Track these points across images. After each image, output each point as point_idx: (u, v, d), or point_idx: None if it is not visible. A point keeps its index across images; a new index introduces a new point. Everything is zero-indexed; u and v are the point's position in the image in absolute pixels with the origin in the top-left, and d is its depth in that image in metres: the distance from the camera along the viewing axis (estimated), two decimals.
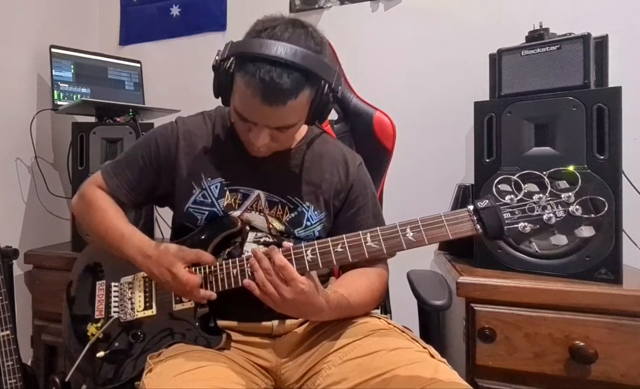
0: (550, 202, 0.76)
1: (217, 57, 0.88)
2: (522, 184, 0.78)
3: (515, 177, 0.78)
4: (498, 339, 1.12)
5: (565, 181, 0.77)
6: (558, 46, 1.19)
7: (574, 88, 1.16)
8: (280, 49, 0.79)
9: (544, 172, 0.79)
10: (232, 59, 0.86)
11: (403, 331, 0.91)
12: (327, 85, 0.85)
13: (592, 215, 0.74)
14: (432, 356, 0.82)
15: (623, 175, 1.12)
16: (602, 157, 1.12)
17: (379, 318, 0.96)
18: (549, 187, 0.76)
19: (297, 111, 0.86)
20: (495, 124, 1.24)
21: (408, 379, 0.76)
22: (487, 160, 1.26)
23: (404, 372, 0.77)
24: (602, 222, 1.06)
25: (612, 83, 1.23)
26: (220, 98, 0.92)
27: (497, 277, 1.16)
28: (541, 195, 0.76)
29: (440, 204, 1.59)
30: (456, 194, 1.42)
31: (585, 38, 1.16)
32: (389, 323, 0.94)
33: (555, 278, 1.13)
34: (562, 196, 0.76)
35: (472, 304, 1.16)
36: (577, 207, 0.74)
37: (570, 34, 1.20)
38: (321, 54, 0.85)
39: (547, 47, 1.21)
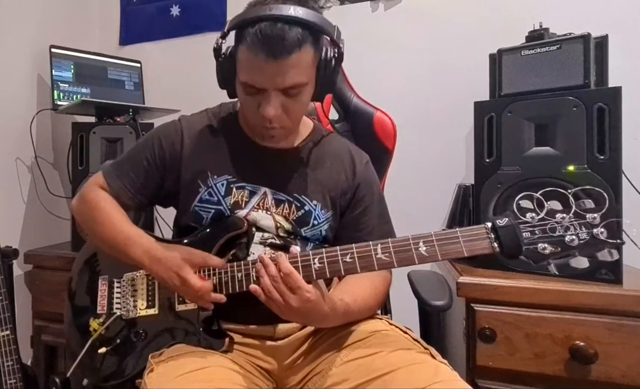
0: (574, 222, 0.71)
1: (217, 41, 0.89)
2: (545, 202, 0.73)
3: (537, 195, 0.73)
4: (498, 340, 1.12)
5: (591, 201, 0.72)
6: (558, 46, 1.20)
7: (574, 88, 1.16)
8: (280, 7, 0.81)
9: (569, 190, 0.73)
10: (231, 42, 0.87)
11: (404, 332, 0.90)
12: (329, 41, 0.86)
13: (619, 240, 0.69)
14: (433, 357, 0.82)
15: (623, 175, 1.12)
16: (602, 157, 1.12)
17: (380, 319, 0.96)
18: (573, 206, 0.72)
19: (303, 67, 0.85)
20: (495, 124, 1.24)
21: (409, 380, 0.76)
22: (488, 160, 1.26)
23: (404, 373, 0.77)
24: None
25: (612, 83, 1.23)
26: (226, 90, 0.93)
27: (497, 277, 1.17)
28: (564, 214, 0.71)
29: (440, 204, 1.60)
30: (456, 194, 1.42)
31: (585, 38, 1.16)
32: (390, 324, 0.94)
33: (556, 278, 1.13)
34: (587, 216, 0.70)
35: (473, 304, 1.16)
36: (602, 229, 0.69)
37: (570, 34, 1.20)
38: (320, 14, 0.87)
39: (547, 47, 1.21)
